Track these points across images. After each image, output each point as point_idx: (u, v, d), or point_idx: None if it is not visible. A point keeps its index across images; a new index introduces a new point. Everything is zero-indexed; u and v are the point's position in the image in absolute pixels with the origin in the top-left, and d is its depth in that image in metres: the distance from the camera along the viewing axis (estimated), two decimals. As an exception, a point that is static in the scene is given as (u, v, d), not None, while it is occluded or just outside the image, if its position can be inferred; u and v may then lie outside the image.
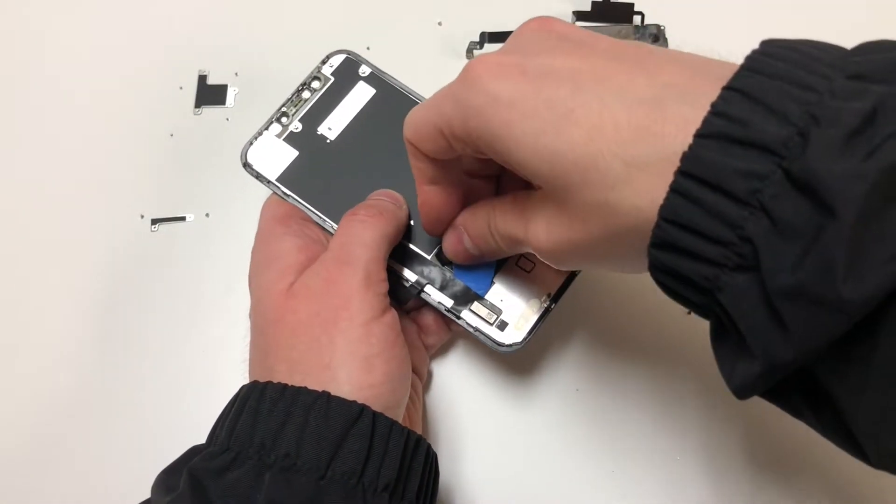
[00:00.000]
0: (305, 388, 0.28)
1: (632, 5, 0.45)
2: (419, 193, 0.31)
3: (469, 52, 0.45)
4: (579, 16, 0.45)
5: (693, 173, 0.20)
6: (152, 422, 0.39)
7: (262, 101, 0.45)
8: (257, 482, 0.26)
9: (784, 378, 0.21)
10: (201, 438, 0.30)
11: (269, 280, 0.32)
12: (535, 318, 0.34)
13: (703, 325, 0.40)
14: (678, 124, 0.21)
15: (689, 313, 0.40)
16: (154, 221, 0.43)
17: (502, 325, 0.34)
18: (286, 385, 0.28)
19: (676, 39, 0.45)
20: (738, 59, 0.22)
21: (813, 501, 0.36)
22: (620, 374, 0.39)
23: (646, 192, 0.21)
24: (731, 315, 0.21)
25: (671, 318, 0.40)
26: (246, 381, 0.31)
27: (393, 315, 0.32)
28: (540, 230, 0.26)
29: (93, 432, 0.39)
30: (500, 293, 0.34)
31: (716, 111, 0.20)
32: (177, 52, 0.47)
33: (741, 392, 0.22)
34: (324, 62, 0.39)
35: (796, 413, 0.22)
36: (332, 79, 0.38)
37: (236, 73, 0.46)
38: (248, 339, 0.33)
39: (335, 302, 0.30)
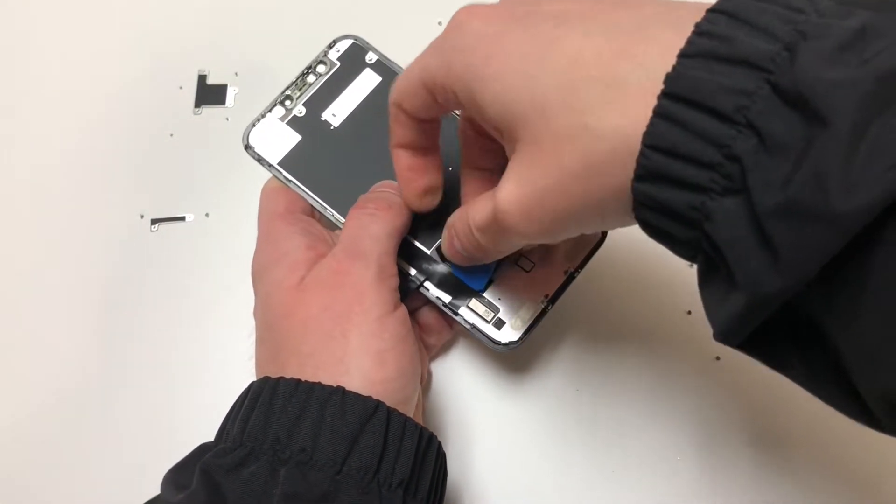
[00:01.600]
0: (320, 383, 0.28)
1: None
2: (396, 158, 0.31)
3: (469, 53, 0.45)
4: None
5: (677, 94, 0.19)
6: (152, 422, 0.39)
7: (263, 101, 0.45)
8: (272, 477, 0.25)
9: (770, 326, 0.20)
10: (202, 437, 0.30)
11: (279, 276, 0.32)
12: (531, 318, 0.34)
13: (701, 326, 0.40)
14: (661, 47, 0.20)
15: (689, 313, 0.40)
16: (154, 221, 0.43)
17: (499, 324, 0.34)
18: (299, 380, 0.28)
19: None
20: None
21: (816, 500, 0.37)
22: (620, 375, 0.39)
23: (628, 113, 0.21)
24: (719, 245, 0.20)
25: (670, 319, 0.40)
26: (251, 379, 0.31)
27: (404, 311, 0.32)
28: (510, 185, 0.25)
29: (93, 433, 0.39)
30: (498, 291, 0.34)
31: (700, 31, 0.20)
32: (177, 52, 0.47)
33: (727, 334, 0.21)
34: (330, 46, 0.38)
35: (783, 366, 0.21)
36: (338, 64, 0.37)
37: (236, 73, 0.46)
38: (252, 338, 0.33)
39: (348, 295, 0.30)
